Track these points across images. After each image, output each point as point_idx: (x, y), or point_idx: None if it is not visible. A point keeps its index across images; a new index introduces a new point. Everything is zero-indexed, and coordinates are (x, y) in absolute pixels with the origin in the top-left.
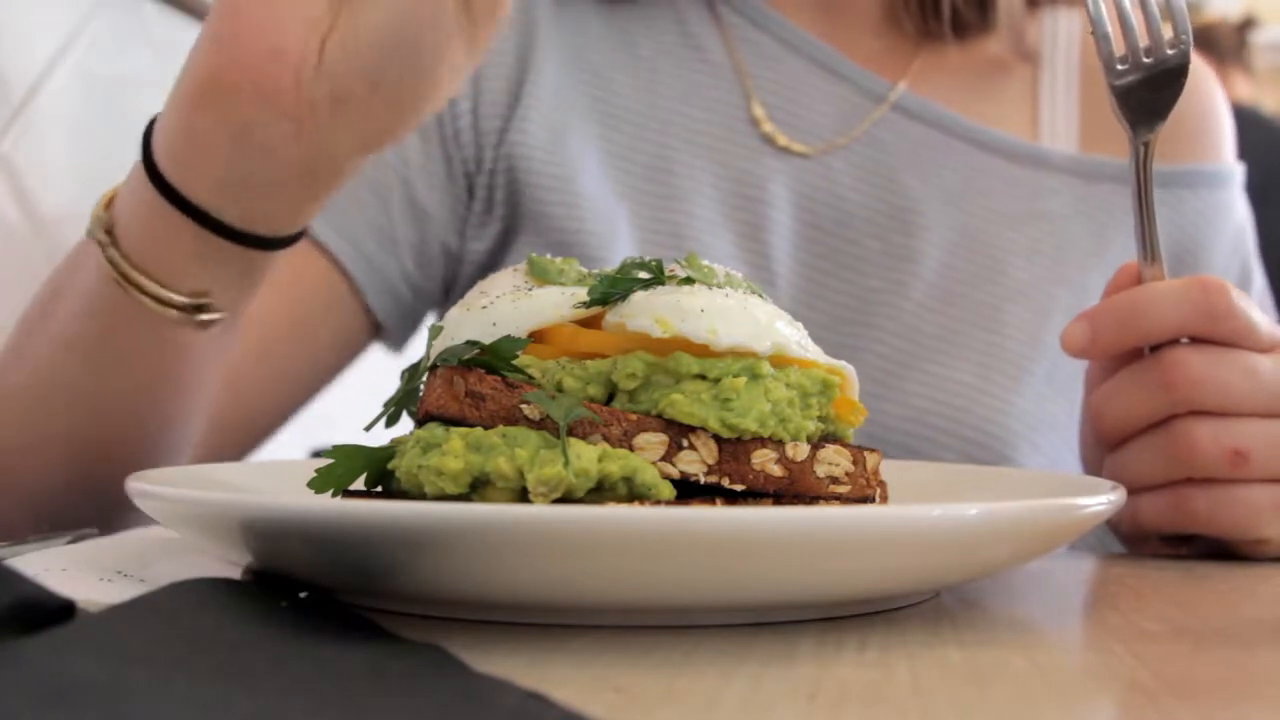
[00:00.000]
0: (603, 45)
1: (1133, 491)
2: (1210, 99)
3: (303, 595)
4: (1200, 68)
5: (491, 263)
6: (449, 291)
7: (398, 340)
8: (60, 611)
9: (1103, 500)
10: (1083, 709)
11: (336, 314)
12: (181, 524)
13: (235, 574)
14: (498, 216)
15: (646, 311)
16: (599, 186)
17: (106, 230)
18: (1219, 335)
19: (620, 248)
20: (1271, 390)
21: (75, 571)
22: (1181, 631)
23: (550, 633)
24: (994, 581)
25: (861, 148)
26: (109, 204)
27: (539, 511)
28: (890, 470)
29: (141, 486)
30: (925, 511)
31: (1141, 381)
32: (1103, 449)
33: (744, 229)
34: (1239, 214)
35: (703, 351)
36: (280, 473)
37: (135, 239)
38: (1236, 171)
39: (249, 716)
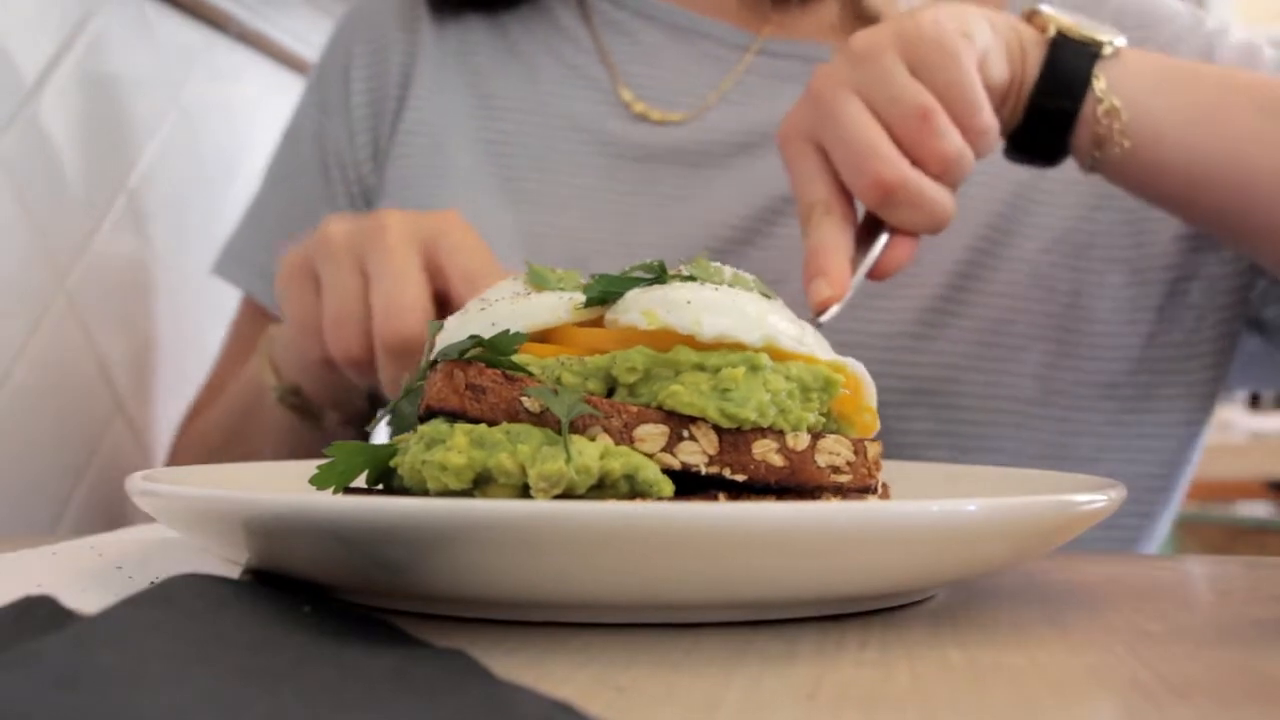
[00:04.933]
0: (485, 46)
1: None
2: None
3: (306, 610)
4: None
5: None
6: None
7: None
8: (58, 613)
9: (1101, 498)
10: (1083, 709)
11: None
12: (183, 522)
13: (234, 573)
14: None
15: (637, 306)
16: (478, 181)
17: (294, 393)
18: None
19: (502, 236)
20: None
21: (75, 569)
22: (1181, 631)
23: (551, 632)
24: (994, 581)
25: (736, 97)
26: (275, 370)
27: (537, 507)
28: (888, 470)
29: (143, 485)
30: (925, 507)
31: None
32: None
33: (632, 202)
34: None
35: (704, 346)
36: (281, 473)
37: (320, 393)
38: None
39: (268, 716)
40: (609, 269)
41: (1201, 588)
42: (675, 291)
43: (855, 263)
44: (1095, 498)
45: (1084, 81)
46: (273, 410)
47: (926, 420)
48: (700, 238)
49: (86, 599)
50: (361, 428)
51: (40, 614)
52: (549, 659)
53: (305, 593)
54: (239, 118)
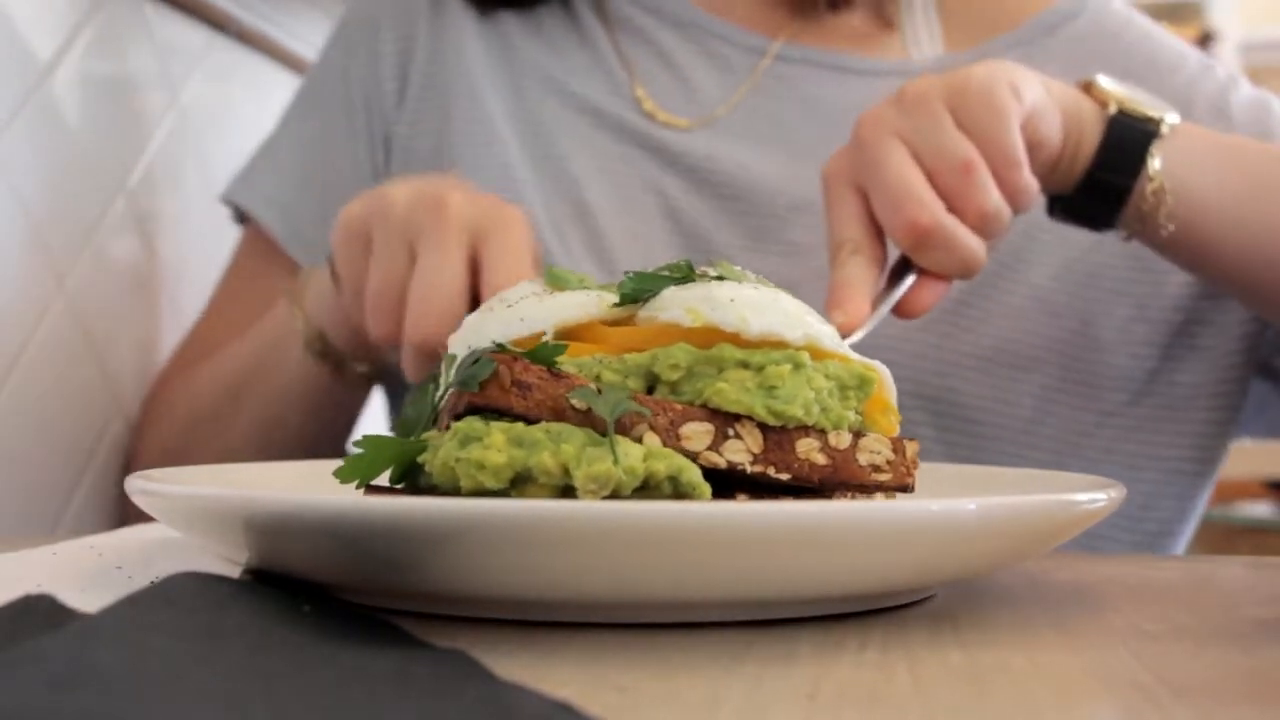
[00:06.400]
0: (515, 24)
1: None
2: None
3: (306, 610)
4: None
5: None
6: None
7: None
8: (58, 612)
9: (1101, 497)
10: (1083, 709)
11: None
12: (183, 522)
13: (234, 573)
14: (423, 155)
15: (677, 303)
16: (508, 146)
17: (320, 339)
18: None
19: (528, 199)
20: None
21: (75, 569)
22: (1181, 631)
23: (551, 632)
24: (994, 582)
25: (747, 104)
26: (304, 316)
27: (540, 507)
28: None
29: (143, 485)
30: (924, 507)
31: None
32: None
33: (641, 193)
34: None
35: (746, 343)
36: (282, 473)
37: (347, 345)
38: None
39: (268, 716)
40: (620, 252)
41: (1201, 588)
42: (718, 289)
43: (880, 300)
44: (1095, 497)
45: (1140, 159)
46: (292, 362)
47: (926, 426)
48: (704, 238)
49: (86, 599)
50: (383, 382)
51: (40, 613)
52: (549, 659)
53: (305, 593)
54: (239, 118)
